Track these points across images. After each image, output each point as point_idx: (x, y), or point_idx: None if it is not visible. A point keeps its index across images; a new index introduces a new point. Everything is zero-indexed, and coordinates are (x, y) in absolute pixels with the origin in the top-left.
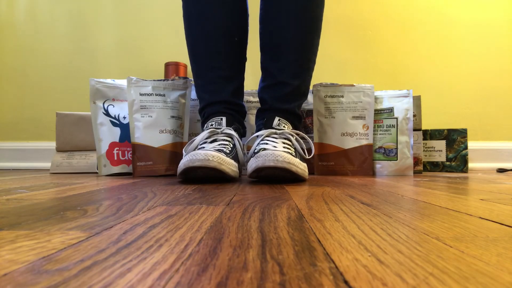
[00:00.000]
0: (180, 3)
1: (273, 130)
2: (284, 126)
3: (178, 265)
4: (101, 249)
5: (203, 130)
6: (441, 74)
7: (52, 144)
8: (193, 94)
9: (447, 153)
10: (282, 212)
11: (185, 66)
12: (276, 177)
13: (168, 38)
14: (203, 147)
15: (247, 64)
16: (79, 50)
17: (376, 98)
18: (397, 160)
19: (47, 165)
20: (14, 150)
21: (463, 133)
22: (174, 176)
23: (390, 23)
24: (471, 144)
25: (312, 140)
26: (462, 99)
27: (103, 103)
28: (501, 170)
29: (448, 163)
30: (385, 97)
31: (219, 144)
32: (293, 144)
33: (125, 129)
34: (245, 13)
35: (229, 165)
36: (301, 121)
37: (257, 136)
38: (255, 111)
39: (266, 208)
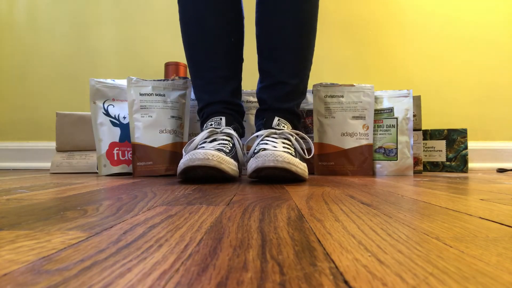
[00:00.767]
0: None
1: (273, 130)
2: (283, 126)
3: (178, 265)
4: (101, 249)
5: (202, 130)
6: (441, 74)
7: (52, 144)
8: (193, 94)
9: (447, 153)
10: (282, 212)
11: (185, 66)
12: (276, 177)
13: (168, 38)
14: (203, 147)
15: (245, 64)
16: (79, 50)
17: (376, 98)
18: (397, 160)
19: (47, 165)
20: (14, 150)
21: (463, 133)
22: (174, 176)
23: (390, 23)
24: (471, 144)
25: (312, 140)
26: (462, 99)
27: (103, 103)
28: (501, 170)
29: (448, 163)
30: (385, 97)
31: (218, 144)
32: (293, 144)
33: (125, 129)
34: (241, 14)
35: (229, 164)
36: (300, 120)
37: (257, 136)
38: (255, 111)
39: (266, 208)
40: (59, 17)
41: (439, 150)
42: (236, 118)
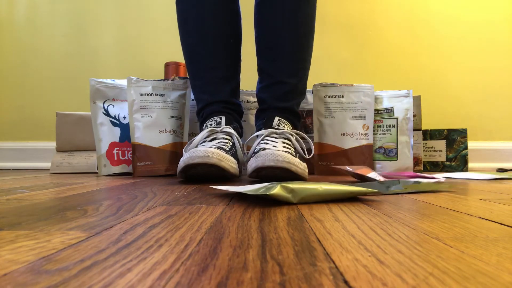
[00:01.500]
0: None
1: (273, 130)
2: (284, 126)
3: (178, 265)
4: (101, 249)
5: (202, 130)
6: (441, 74)
7: (52, 144)
8: (192, 95)
9: (447, 153)
10: (282, 212)
11: (185, 66)
12: (276, 177)
13: (168, 38)
14: (203, 145)
15: (245, 65)
16: (79, 50)
17: (376, 98)
18: (397, 160)
19: (47, 165)
20: (14, 150)
21: (463, 133)
22: (174, 176)
23: (390, 23)
24: (471, 144)
25: (312, 140)
26: (462, 99)
27: (103, 103)
28: (501, 170)
29: (448, 163)
30: (385, 97)
31: (218, 142)
32: (293, 144)
33: (125, 129)
34: (238, 15)
35: (229, 162)
36: (300, 120)
37: (257, 136)
38: (255, 111)
39: (266, 208)
40: (59, 17)
41: (439, 150)
42: (235, 118)
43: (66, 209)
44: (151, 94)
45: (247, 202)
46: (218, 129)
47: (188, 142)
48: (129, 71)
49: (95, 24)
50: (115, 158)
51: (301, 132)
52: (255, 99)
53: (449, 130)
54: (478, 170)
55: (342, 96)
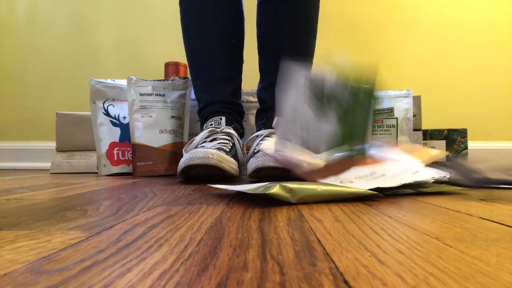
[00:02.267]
0: None
1: (273, 130)
2: None
3: (178, 265)
4: (101, 249)
5: (202, 130)
6: (441, 74)
7: (52, 144)
8: (193, 94)
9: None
10: (282, 212)
11: (185, 66)
12: (276, 177)
13: (168, 38)
14: (203, 146)
15: (245, 65)
16: (79, 50)
17: None
18: None
19: (47, 165)
20: (14, 150)
21: (463, 133)
22: (174, 176)
23: (390, 23)
24: (471, 144)
25: None
26: (462, 99)
27: (103, 103)
28: None
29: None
30: (385, 97)
31: (218, 143)
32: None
33: (125, 129)
34: (241, 16)
35: (229, 163)
36: None
37: (257, 136)
38: (255, 111)
39: (266, 208)
40: (59, 17)
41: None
42: (236, 118)
43: (66, 209)
44: (151, 94)
45: (247, 202)
46: (218, 130)
47: (188, 142)
48: (129, 71)
49: (95, 24)
50: (115, 158)
51: None
52: (255, 99)
53: (449, 130)
54: None
55: None
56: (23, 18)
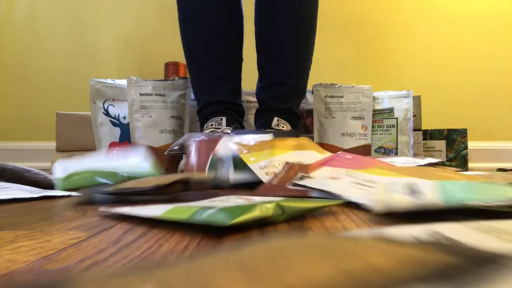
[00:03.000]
0: None
1: (272, 131)
2: (283, 126)
3: None
4: (101, 249)
5: (202, 131)
6: (441, 74)
7: (52, 144)
8: (193, 94)
9: (447, 153)
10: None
11: (185, 66)
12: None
13: (168, 38)
14: None
15: (245, 64)
16: (79, 50)
17: (376, 99)
18: None
19: (47, 165)
20: (14, 150)
21: (463, 133)
22: None
23: (390, 23)
24: (471, 144)
25: (312, 140)
26: (462, 99)
27: (103, 103)
28: (501, 170)
29: (448, 163)
30: (385, 97)
31: None
32: None
33: (125, 129)
34: (240, 14)
35: None
36: (300, 120)
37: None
38: (254, 111)
39: None
40: (59, 17)
41: (439, 150)
42: (236, 118)
43: (66, 209)
44: (151, 94)
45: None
46: (219, 130)
47: None
48: (129, 71)
49: (95, 24)
50: None
51: (299, 133)
52: (255, 99)
53: (449, 130)
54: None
55: (342, 97)
56: (23, 18)
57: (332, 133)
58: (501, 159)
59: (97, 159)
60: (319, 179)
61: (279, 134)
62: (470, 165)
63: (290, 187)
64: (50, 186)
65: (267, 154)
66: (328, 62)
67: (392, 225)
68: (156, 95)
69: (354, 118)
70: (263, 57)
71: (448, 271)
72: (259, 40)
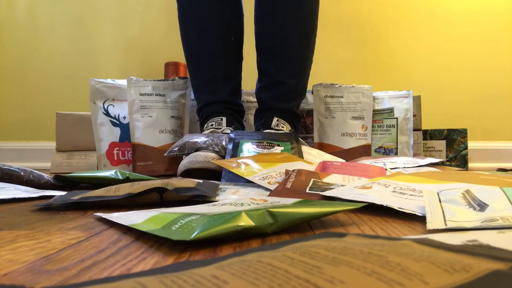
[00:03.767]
0: None
1: (271, 131)
2: (282, 127)
3: None
4: (101, 249)
5: (202, 131)
6: (441, 74)
7: (52, 144)
8: (193, 94)
9: (447, 153)
10: None
11: (185, 66)
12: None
13: (168, 38)
14: None
15: (245, 64)
16: (79, 50)
17: (376, 99)
18: None
19: (47, 165)
20: (14, 150)
21: (463, 133)
22: (174, 176)
23: (390, 23)
24: (471, 144)
25: (312, 140)
26: (462, 99)
27: (103, 103)
28: (501, 170)
29: (448, 163)
30: (386, 97)
31: None
32: None
33: (125, 129)
34: (240, 13)
35: None
36: (300, 120)
37: None
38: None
39: None
40: (59, 17)
41: (439, 150)
42: (236, 118)
43: (66, 209)
44: (151, 94)
45: None
46: (219, 131)
47: None
48: (129, 71)
49: (95, 24)
50: (115, 158)
51: (299, 136)
52: (255, 99)
53: (449, 130)
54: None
55: (342, 97)
56: (23, 18)
57: (332, 133)
58: (501, 159)
59: None
60: (349, 188)
61: (278, 135)
62: (470, 165)
63: (311, 191)
64: (46, 185)
65: (258, 169)
66: (328, 62)
67: (428, 233)
68: (156, 95)
69: (354, 118)
70: (263, 57)
71: (495, 278)
72: (259, 39)
